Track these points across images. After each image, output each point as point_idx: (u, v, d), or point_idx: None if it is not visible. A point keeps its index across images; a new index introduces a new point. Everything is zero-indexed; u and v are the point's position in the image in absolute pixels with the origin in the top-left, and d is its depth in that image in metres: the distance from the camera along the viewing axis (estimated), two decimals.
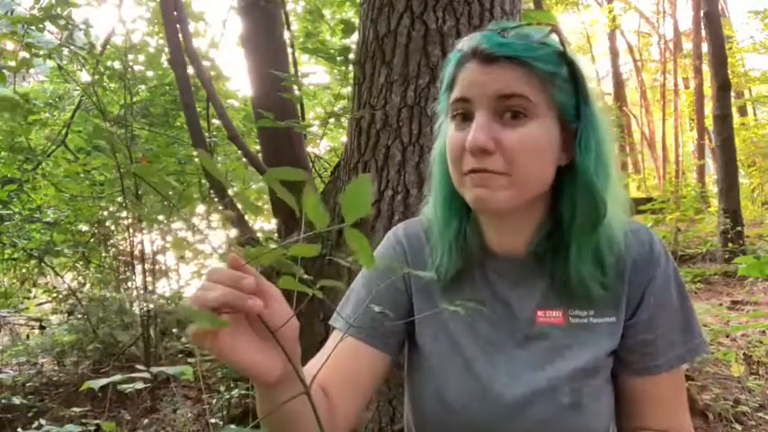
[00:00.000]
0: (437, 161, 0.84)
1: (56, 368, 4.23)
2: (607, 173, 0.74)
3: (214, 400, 3.09)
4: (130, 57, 4.38)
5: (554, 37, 0.73)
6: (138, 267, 4.32)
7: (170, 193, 4.72)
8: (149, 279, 4.23)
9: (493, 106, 0.71)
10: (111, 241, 4.92)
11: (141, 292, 4.09)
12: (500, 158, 0.70)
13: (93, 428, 2.26)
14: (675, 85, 15.62)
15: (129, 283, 4.70)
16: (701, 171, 11.87)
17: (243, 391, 2.85)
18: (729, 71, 7.15)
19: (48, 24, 3.73)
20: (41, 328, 4.63)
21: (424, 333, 0.85)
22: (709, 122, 9.08)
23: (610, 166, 0.75)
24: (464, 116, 0.75)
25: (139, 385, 2.01)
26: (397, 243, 0.90)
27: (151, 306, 4.02)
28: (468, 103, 0.73)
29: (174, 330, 4.67)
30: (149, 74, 4.66)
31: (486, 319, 0.81)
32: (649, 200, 7.40)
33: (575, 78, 0.73)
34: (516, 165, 0.70)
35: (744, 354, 3.17)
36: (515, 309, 0.81)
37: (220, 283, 0.54)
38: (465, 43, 0.77)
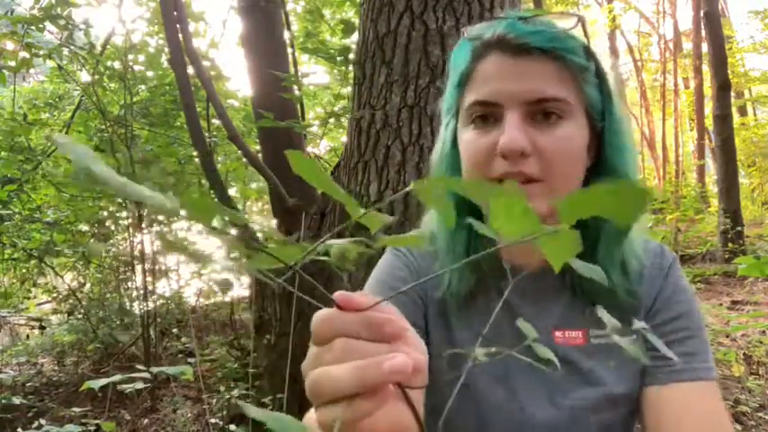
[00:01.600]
0: (442, 165, 0.76)
1: (56, 368, 4.23)
2: (636, 172, 0.72)
3: (214, 400, 3.09)
4: (130, 57, 4.38)
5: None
6: (138, 267, 4.33)
7: (170, 193, 4.71)
8: (149, 279, 4.23)
9: (525, 108, 0.65)
10: (111, 241, 4.92)
11: (141, 292, 4.09)
12: (536, 162, 0.64)
13: (93, 428, 2.26)
14: (675, 85, 15.62)
15: (129, 283, 4.70)
16: (701, 171, 11.87)
17: (243, 391, 2.85)
18: (729, 71, 7.16)
19: (48, 24, 3.73)
20: (41, 328, 4.64)
21: (434, 352, 0.74)
22: (709, 122, 9.09)
23: (638, 167, 0.73)
24: (484, 117, 0.67)
25: (139, 385, 2.01)
26: (405, 255, 0.80)
27: (151, 306, 4.02)
28: (496, 108, 0.66)
29: (174, 330, 4.67)
30: (149, 74, 4.66)
31: (502, 342, 0.72)
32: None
33: (599, 74, 0.69)
34: (553, 169, 0.65)
35: (744, 354, 3.17)
36: (533, 327, 0.74)
37: (343, 334, 0.37)
38: (481, 31, 0.68)
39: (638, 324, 0.53)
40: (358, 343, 0.36)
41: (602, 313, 0.51)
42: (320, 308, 0.39)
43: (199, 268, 4.44)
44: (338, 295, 0.38)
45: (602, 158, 0.70)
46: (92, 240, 4.70)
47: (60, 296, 4.87)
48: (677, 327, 0.72)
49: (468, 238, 0.72)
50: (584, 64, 0.66)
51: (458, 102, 0.72)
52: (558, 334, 0.72)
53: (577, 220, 0.73)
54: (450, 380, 0.71)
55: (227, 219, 0.29)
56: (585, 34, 0.68)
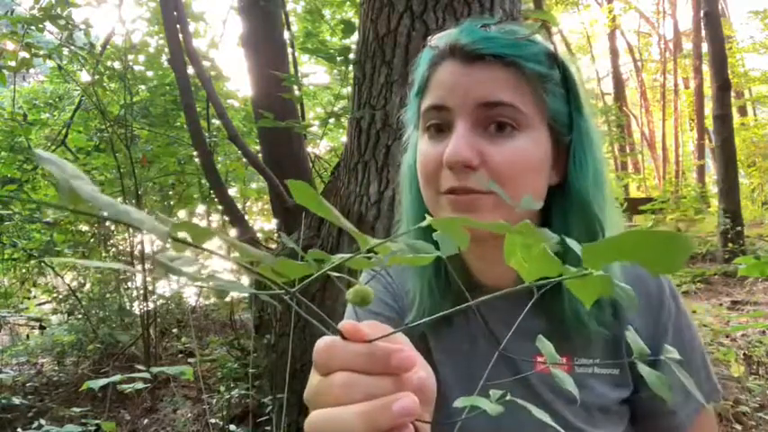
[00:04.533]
0: (407, 180, 0.73)
1: (56, 368, 4.23)
2: (603, 194, 0.65)
3: (214, 400, 3.09)
4: (130, 57, 4.38)
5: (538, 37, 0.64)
6: (138, 267, 4.33)
7: (170, 193, 4.72)
8: (149, 279, 4.23)
9: (475, 115, 0.61)
10: (111, 241, 4.92)
11: (141, 292, 4.09)
12: (484, 176, 0.60)
13: (93, 428, 2.26)
14: (675, 85, 15.63)
15: (129, 283, 4.70)
16: (701, 171, 11.88)
17: (243, 391, 2.85)
18: (729, 71, 7.16)
19: (48, 24, 3.74)
20: (41, 328, 4.64)
21: None
22: (709, 122, 9.08)
23: (605, 186, 0.66)
24: (439, 127, 0.64)
25: (139, 385, 2.01)
26: (383, 276, 0.77)
27: (151, 306, 4.02)
28: (446, 112, 0.63)
29: (174, 330, 4.68)
30: (149, 74, 4.66)
31: (482, 366, 0.68)
32: (649, 200, 7.41)
33: (566, 83, 0.64)
34: (504, 184, 0.60)
35: (744, 354, 3.17)
36: (511, 353, 0.68)
37: (345, 367, 0.35)
38: (439, 39, 0.66)
39: (672, 352, 0.49)
40: (361, 378, 0.34)
41: (632, 335, 0.49)
42: (322, 308, 0.37)
43: (199, 268, 4.43)
44: (345, 325, 0.36)
45: (566, 178, 0.65)
46: (92, 240, 4.70)
47: (60, 296, 4.87)
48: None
49: (438, 256, 0.67)
50: (544, 72, 0.62)
51: (417, 111, 0.69)
52: (540, 359, 0.66)
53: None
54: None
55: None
56: (551, 40, 0.64)
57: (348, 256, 0.33)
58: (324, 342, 0.36)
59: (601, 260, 0.27)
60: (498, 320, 0.69)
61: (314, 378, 0.37)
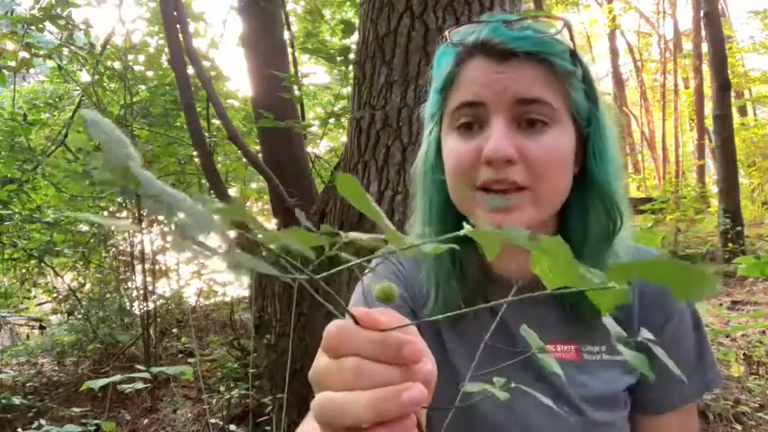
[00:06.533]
0: (426, 176, 0.73)
1: (56, 368, 4.24)
2: (620, 183, 0.68)
3: (214, 400, 3.09)
4: (130, 57, 4.38)
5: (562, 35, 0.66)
6: (138, 267, 4.33)
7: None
8: (149, 279, 4.23)
9: (512, 111, 0.62)
10: (111, 241, 4.92)
11: (141, 292, 4.09)
12: (523, 170, 0.62)
13: (93, 428, 2.26)
14: (675, 85, 15.62)
15: (129, 283, 4.70)
16: (701, 171, 11.87)
17: (243, 391, 2.85)
18: (729, 71, 7.16)
19: (48, 24, 3.74)
20: (41, 328, 4.64)
21: None
22: (709, 122, 9.07)
23: (622, 176, 0.69)
24: (469, 124, 0.65)
25: (139, 385, 2.01)
26: (393, 263, 0.78)
27: (151, 306, 4.02)
28: (481, 108, 0.63)
29: (174, 330, 4.67)
30: (149, 74, 4.66)
31: (493, 356, 0.68)
32: (649, 200, 7.41)
33: (586, 79, 0.67)
34: (541, 178, 0.62)
35: (744, 354, 3.17)
36: (522, 342, 0.68)
37: (357, 353, 0.35)
38: (464, 35, 0.66)
39: (646, 334, 0.52)
40: (371, 366, 0.35)
41: (608, 322, 0.50)
42: (327, 300, 0.37)
43: (200, 268, 4.44)
44: (358, 311, 0.36)
45: (586, 168, 0.68)
46: (92, 241, 4.70)
47: (60, 296, 4.88)
48: (676, 359, 0.70)
49: (454, 249, 0.68)
50: (570, 68, 0.64)
51: (441, 107, 0.69)
52: (549, 348, 0.69)
53: (561, 228, 0.67)
54: (439, 395, 0.64)
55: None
56: (572, 39, 0.66)
57: (364, 235, 0.33)
58: (336, 325, 0.36)
59: (626, 278, 0.28)
60: (512, 311, 0.71)
61: (321, 359, 0.37)
